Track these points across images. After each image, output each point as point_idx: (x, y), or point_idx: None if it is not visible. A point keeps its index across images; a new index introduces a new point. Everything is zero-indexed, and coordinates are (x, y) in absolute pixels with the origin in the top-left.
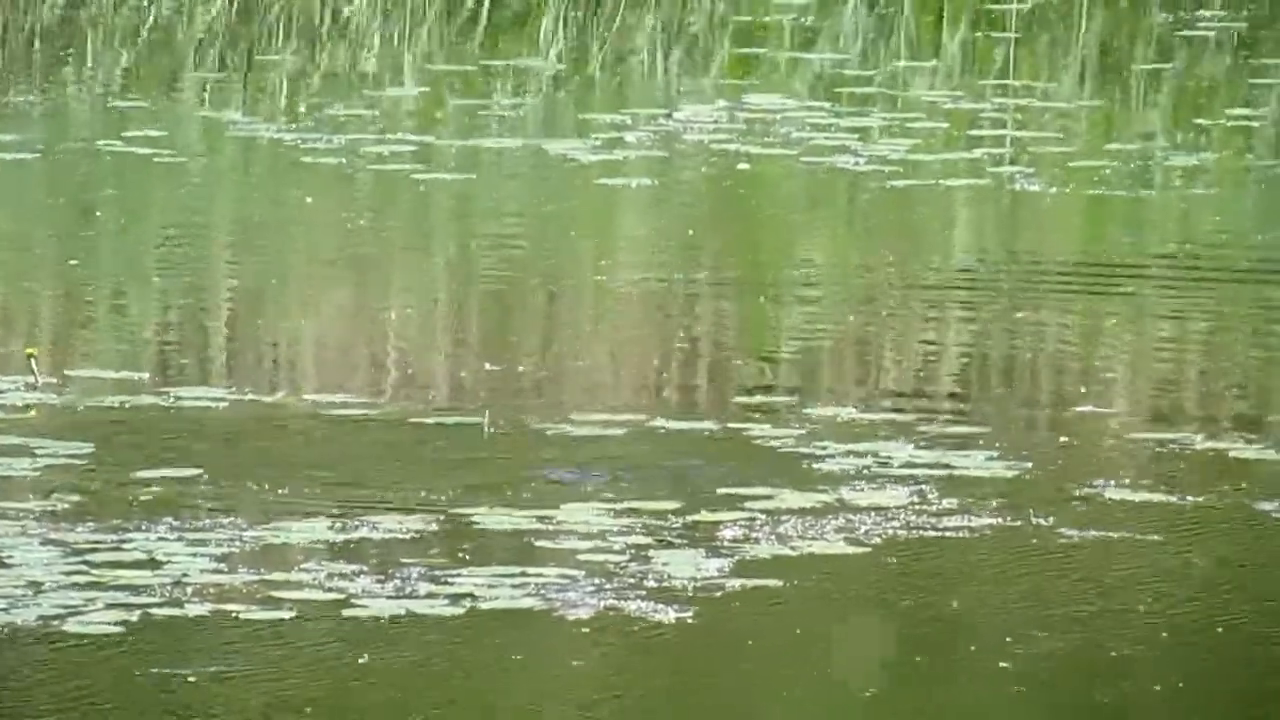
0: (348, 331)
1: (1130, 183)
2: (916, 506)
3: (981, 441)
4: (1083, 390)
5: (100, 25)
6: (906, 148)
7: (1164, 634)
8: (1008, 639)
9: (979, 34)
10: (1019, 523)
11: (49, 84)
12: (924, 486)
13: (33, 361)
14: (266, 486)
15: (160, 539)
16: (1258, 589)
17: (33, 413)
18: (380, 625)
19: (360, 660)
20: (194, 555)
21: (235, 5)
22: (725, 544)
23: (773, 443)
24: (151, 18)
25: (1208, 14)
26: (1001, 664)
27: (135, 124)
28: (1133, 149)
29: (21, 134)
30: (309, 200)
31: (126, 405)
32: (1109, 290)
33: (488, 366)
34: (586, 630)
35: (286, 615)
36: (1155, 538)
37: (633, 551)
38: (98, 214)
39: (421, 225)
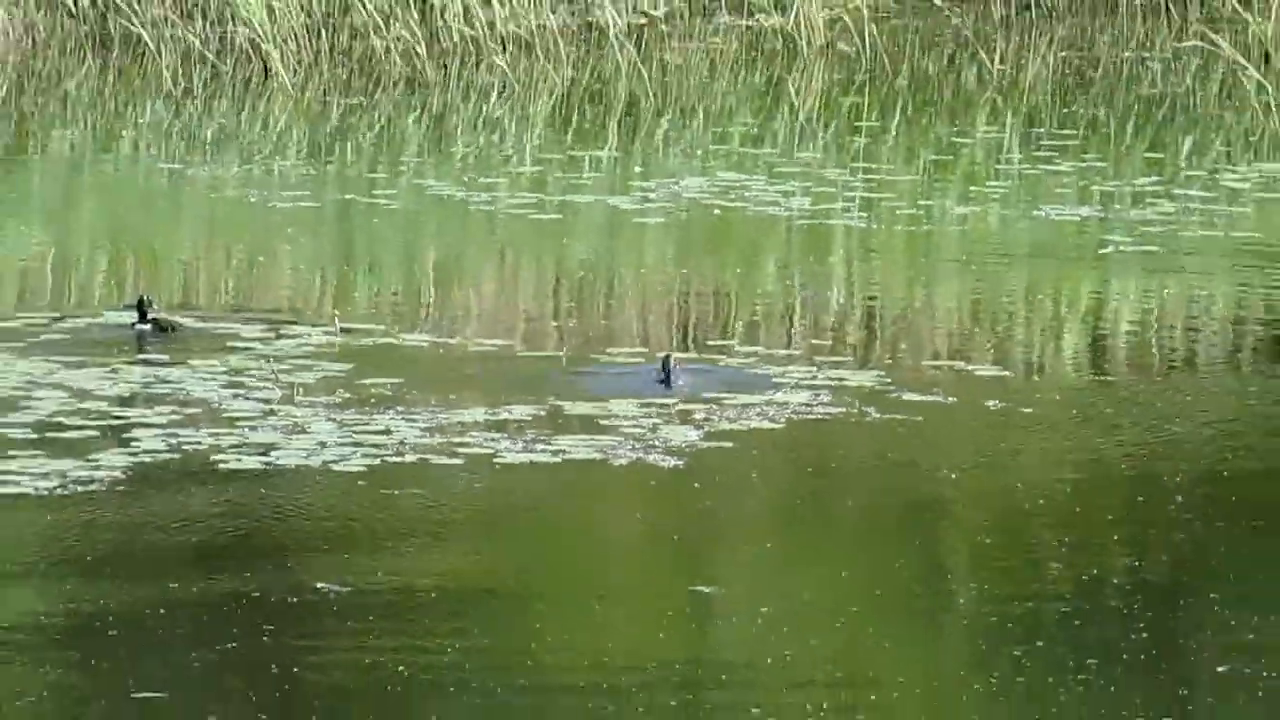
0: (491, 301)
1: (927, 223)
2: (809, 404)
3: (853, 367)
4: (903, 335)
5: (356, 129)
6: (809, 201)
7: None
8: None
9: (853, 138)
10: (857, 410)
11: (330, 164)
12: (817, 392)
13: (336, 318)
14: (446, 391)
15: (390, 419)
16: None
17: (337, 350)
18: (512, 468)
19: (493, 486)
20: (409, 428)
21: (432, 114)
22: (699, 423)
23: (733, 365)
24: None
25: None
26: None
27: (377, 188)
28: (932, 204)
29: (303, 192)
30: (472, 228)
31: (372, 344)
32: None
33: (570, 323)
34: (624, 471)
35: (460, 462)
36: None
37: (649, 426)
38: (355, 244)
39: (533, 243)
